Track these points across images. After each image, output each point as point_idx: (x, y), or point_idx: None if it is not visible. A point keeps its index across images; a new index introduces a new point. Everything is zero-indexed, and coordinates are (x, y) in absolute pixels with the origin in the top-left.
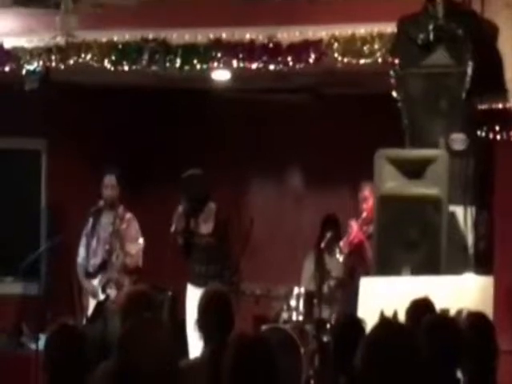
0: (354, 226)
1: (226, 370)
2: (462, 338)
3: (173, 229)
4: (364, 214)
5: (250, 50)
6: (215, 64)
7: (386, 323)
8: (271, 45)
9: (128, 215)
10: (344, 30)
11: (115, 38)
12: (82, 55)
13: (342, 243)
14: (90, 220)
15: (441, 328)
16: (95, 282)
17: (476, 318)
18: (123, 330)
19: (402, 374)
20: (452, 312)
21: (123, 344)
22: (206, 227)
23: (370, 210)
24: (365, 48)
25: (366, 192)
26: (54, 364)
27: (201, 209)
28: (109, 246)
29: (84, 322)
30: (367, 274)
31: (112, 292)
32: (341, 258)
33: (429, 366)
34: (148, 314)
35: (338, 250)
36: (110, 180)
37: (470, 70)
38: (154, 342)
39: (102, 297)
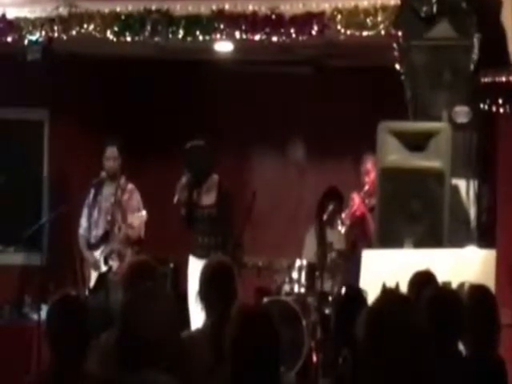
0: (355, 198)
1: (229, 341)
2: (463, 310)
3: (175, 200)
4: (366, 187)
5: (252, 22)
6: (218, 35)
7: (388, 294)
8: (274, 16)
9: (130, 186)
10: (347, 2)
11: (118, 9)
12: (85, 26)
13: (343, 215)
14: (92, 191)
15: (442, 300)
16: (97, 253)
17: (478, 290)
18: (125, 299)
19: (403, 345)
20: (454, 285)
21: (126, 314)
22: (208, 198)
23: (372, 182)
24: (368, 20)
25: (369, 165)
26: (55, 334)
27: (204, 180)
28: (110, 217)
29: (86, 293)
30: (369, 247)
31: (114, 263)
32: (342, 230)
33: (430, 338)
34: (150, 284)
35: (339, 222)
36: (111, 151)
37: (476, 42)
38: (156, 311)
39: (104, 268)
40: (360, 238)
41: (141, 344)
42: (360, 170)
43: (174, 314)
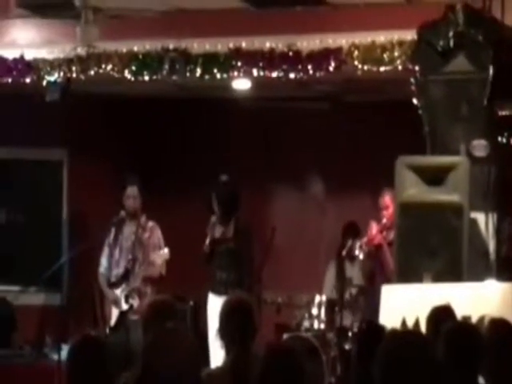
0: (373, 226)
1: (255, 379)
2: (483, 343)
3: (208, 241)
4: (384, 220)
5: (270, 59)
6: (235, 73)
7: (400, 333)
8: (291, 53)
9: (150, 224)
10: (364, 38)
11: (135, 48)
12: (103, 66)
13: (361, 241)
14: (113, 230)
15: (461, 334)
16: (118, 291)
17: (498, 324)
18: (147, 339)
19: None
20: (474, 319)
21: (147, 354)
22: (226, 233)
23: (390, 216)
24: (385, 55)
25: (387, 199)
26: (76, 375)
27: (234, 216)
28: (132, 256)
29: (107, 331)
30: (387, 280)
31: (135, 302)
32: (361, 256)
33: (449, 373)
34: (171, 323)
35: (357, 247)
36: (132, 191)
37: (491, 76)
38: (177, 351)
39: (125, 307)
40: (377, 271)
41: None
42: (378, 204)
43: (194, 353)
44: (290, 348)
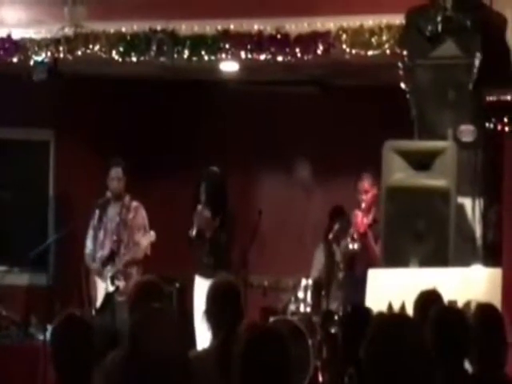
0: (358, 214)
1: (237, 360)
2: (469, 329)
3: (195, 232)
4: (363, 205)
5: (258, 42)
6: (223, 55)
7: (389, 316)
8: (279, 36)
9: (134, 204)
10: (352, 22)
11: (123, 29)
12: (90, 46)
13: (352, 232)
14: (97, 212)
15: (447, 320)
16: (103, 268)
17: (485, 309)
18: (134, 319)
19: (406, 366)
20: (460, 304)
21: (134, 333)
22: (215, 222)
23: (368, 200)
24: (373, 39)
25: (366, 183)
26: (60, 354)
27: (219, 209)
28: (116, 237)
29: (93, 312)
30: (369, 264)
31: (121, 283)
32: (355, 246)
33: (436, 357)
34: (157, 304)
35: (349, 240)
36: (116, 172)
37: (477, 62)
38: (164, 331)
39: (111, 288)
40: (358, 257)
41: (148, 364)
42: (357, 188)
43: (181, 334)
44: (273, 330)
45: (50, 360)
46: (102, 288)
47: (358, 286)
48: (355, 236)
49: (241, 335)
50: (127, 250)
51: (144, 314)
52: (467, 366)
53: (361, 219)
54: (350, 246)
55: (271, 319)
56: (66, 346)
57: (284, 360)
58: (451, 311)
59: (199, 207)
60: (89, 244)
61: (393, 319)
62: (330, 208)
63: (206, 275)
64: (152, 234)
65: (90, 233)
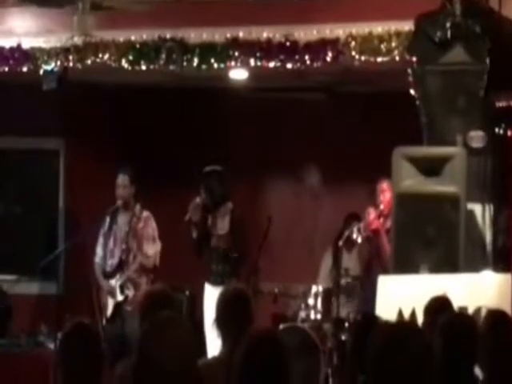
0: (371, 211)
1: (236, 368)
2: (479, 335)
3: (187, 218)
4: (381, 206)
5: (267, 49)
6: (232, 63)
7: (393, 326)
8: (288, 43)
9: (145, 214)
10: (361, 29)
11: (133, 38)
12: (100, 55)
13: (360, 226)
14: (107, 220)
15: (457, 326)
16: (113, 281)
17: (495, 315)
18: (145, 327)
19: (413, 374)
20: (470, 310)
21: (143, 343)
22: (222, 226)
23: (388, 203)
24: (382, 46)
25: (384, 185)
26: (68, 363)
27: (221, 205)
28: (125, 246)
29: (103, 322)
30: (384, 268)
31: (130, 292)
32: (359, 239)
33: (445, 365)
34: (167, 313)
35: (355, 230)
36: (122, 179)
37: (488, 67)
38: (174, 340)
39: (120, 297)
40: (374, 259)
41: (158, 373)
42: (375, 190)
43: (191, 342)
44: (272, 339)
45: (58, 369)
46: (112, 299)
47: (374, 291)
48: (361, 230)
49: (242, 343)
50: (135, 259)
51: (154, 323)
52: (478, 372)
53: (374, 217)
54: (354, 236)
55: (281, 326)
56: (74, 355)
57: (282, 370)
58: (460, 318)
59: (197, 199)
60: (99, 251)
61: (398, 328)
62: (346, 215)
63: (215, 283)
64: (158, 243)
65: (100, 240)
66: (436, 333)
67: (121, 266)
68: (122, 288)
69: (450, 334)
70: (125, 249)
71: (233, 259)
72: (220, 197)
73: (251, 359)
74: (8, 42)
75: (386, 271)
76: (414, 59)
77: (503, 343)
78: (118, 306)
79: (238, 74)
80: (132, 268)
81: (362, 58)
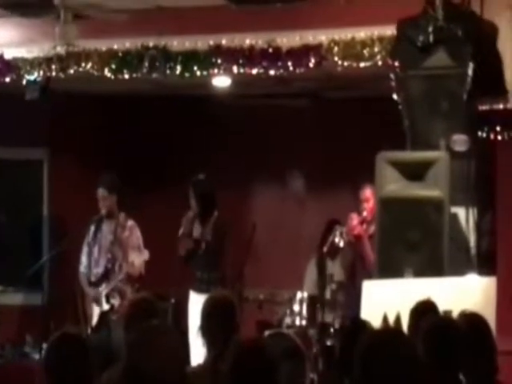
0: (354, 217)
1: (224, 377)
2: (462, 339)
3: (181, 232)
4: (364, 213)
5: (250, 56)
6: (215, 70)
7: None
8: (271, 50)
9: (130, 223)
10: (344, 34)
11: (115, 46)
12: (82, 64)
13: (342, 230)
14: (92, 228)
15: (439, 330)
16: (98, 290)
17: (473, 318)
18: (132, 336)
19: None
20: (455, 313)
21: (130, 351)
22: (207, 234)
23: (371, 209)
24: (365, 51)
25: (368, 192)
26: (55, 373)
27: (211, 214)
28: (111, 255)
29: (89, 331)
30: (367, 273)
31: (116, 301)
32: (341, 243)
33: (429, 369)
34: (153, 321)
35: (337, 234)
36: (101, 192)
37: (470, 71)
38: (160, 348)
39: (106, 306)
40: (358, 265)
41: (146, 382)
42: (359, 197)
43: (179, 351)
44: (260, 347)
45: (45, 379)
46: (97, 308)
47: (358, 296)
48: (344, 234)
49: (229, 353)
50: (121, 268)
51: (139, 332)
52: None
53: (356, 222)
54: (336, 240)
55: (266, 333)
56: (61, 365)
57: (270, 378)
58: (443, 322)
59: (190, 213)
60: (84, 260)
61: (383, 334)
62: (326, 220)
63: (200, 290)
64: (146, 254)
65: (85, 249)
66: (420, 337)
67: (106, 275)
68: (108, 297)
69: (432, 339)
70: (110, 258)
71: (218, 266)
72: (208, 205)
73: (238, 370)
74: None
75: (370, 276)
76: (397, 64)
77: (483, 346)
78: (103, 315)
79: (221, 81)
80: (118, 277)
81: (345, 63)
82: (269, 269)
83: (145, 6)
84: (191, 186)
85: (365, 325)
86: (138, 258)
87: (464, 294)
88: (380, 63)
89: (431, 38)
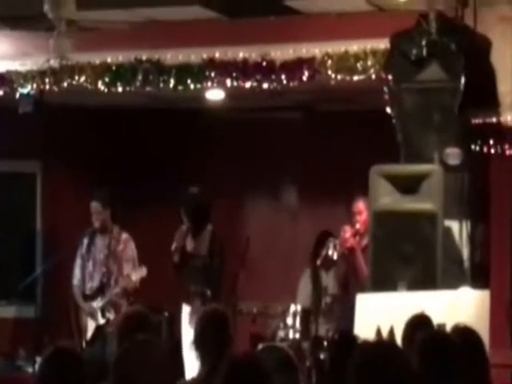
0: (347, 229)
1: None
2: (456, 353)
3: (173, 247)
4: (357, 226)
5: (243, 69)
6: (209, 83)
7: (372, 345)
8: (264, 63)
9: (124, 236)
10: (337, 47)
11: (109, 60)
12: (76, 77)
13: (335, 242)
14: (85, 241)
15: (433, 344)
16: (93, 304)
17: (466, 332)
18: (120, 351)
19: None
20: (449, 327)
21: (119, 365)
22: (201, 247)
23: (364, 222)
24: (358, 64)
25: (361, 204)
26: None
27: (203, 228)
28: (106, 269)
29: (83, 344)
30: (361, 285)
31: (111, 315)
32: (334, 256)
33: (424, 383)
34: (144, 334)
35: (331, 246)
36: (94, 207)
37: (462, 85)
38: (150, 362)
39: (101, 320)
40: (352, 278)
41: None
42: (352, 209)
43: (167, 364)
44: (253, 362)
45: None
46: (92, 321)
47: (352, 309)
48: (337, 246)
49: (223, 367)
50: (116, 282)
51: (130, 345)
52: None
53: (349, 235)
54: (330, 252)
55: (260, 346)
56: (55, 379)
57: None
58: (437, 336)
59: (183, 227)
60: (77, 273)
61: (377, 347)
62: (318, 233)
63: (194, 304)
64: (143, 270)
65: (78, 262)
66: (414, 350)
67: (101, 289)
68: (103, 311)
69: (425, 353)
70: (105, 272)
71: (211, 280)
72: (201, 219)
73: (231, 382)
74: None
75: (363, 289)
76: (390, 77)
77: (476, 360)
78: (99, 329)
79: (215, 94)
80: (114, 291)
81: (339, 76)
82: (262, 282)
83: (138, 20)
84: (181, 200)
85: (354, 339)
86: (136, 273)
87: (457, 306)
88: (373, 76)
89: (424, 52)
